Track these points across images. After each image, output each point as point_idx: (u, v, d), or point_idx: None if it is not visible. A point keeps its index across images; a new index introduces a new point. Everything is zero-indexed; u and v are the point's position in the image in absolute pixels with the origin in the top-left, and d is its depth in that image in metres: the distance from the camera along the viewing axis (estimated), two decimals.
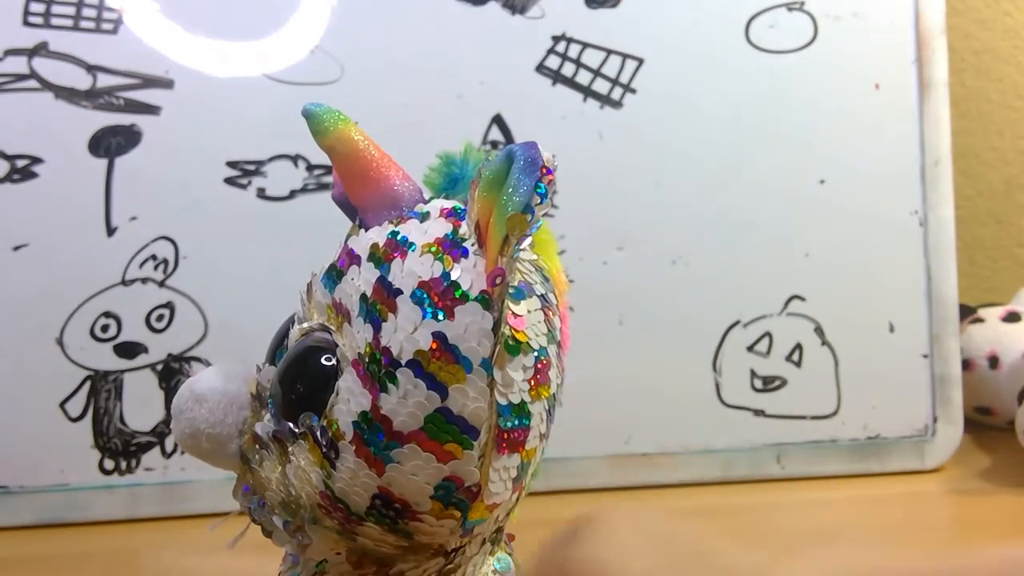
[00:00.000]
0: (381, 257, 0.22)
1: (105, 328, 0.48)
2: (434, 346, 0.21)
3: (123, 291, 0.48)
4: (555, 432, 0.24)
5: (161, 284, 0.48)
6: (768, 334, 0.52)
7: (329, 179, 0.48)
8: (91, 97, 0.48)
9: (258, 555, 0.26)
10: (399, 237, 0.23)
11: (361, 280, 0.22)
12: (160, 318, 0.48)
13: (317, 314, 0.24)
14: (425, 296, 0.21)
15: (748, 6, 0.52)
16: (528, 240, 0.21)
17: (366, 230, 0.24)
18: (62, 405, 0.47)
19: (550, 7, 0.51)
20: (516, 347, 0.21)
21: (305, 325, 0.24)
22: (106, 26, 0.48)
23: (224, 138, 0.49)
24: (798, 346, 0.52)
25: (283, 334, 0.25)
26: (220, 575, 0.40)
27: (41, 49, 0.48)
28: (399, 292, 0.21)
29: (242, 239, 0.48)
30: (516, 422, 0.21)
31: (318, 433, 0.22)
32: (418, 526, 0.22)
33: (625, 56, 0.51)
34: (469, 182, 0.23)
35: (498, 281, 0.21)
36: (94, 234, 0.48)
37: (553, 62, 0.51)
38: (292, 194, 0.49)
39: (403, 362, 0.21)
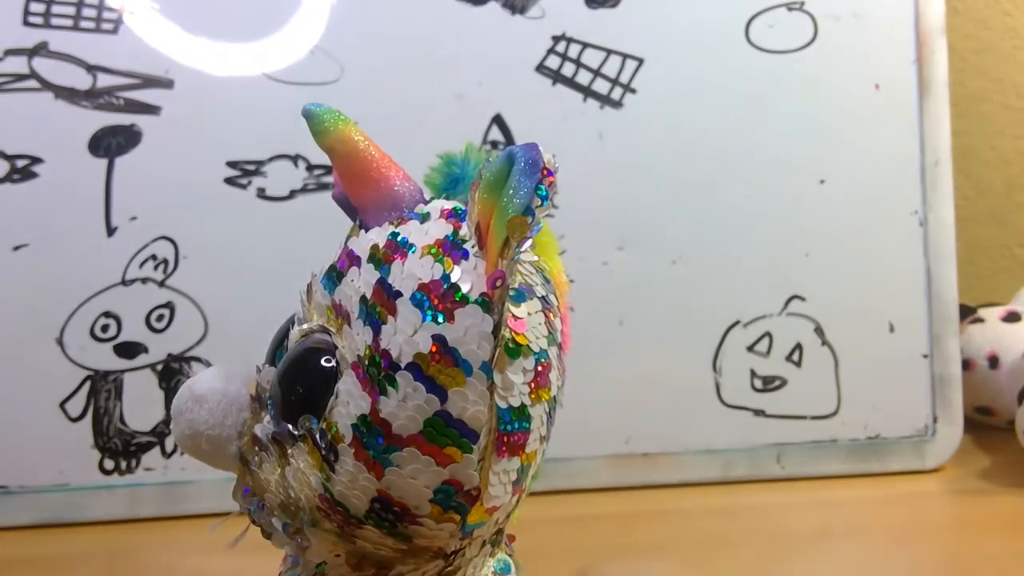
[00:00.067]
0: (381, 259, 0.22)
1: (105, 328, 0.48)
2: (434, 349, 0.21)
3: (123, 291, 0.48)
4: (555, 432, 0.24)
5: (161, 284, 0.48)
6: (768, 334, 0.52)
7: (329, 179, 0.48)
8: (91, 97, 0.48)
9: (258, 555, 0.26)
10: (399, 238, 0.22)
11: (361, 282, 0.22)
12: (160, 318, 0.48)
13: (317, 315, 0.24)
14: (425, 298, 0.21)
15: (748, 6, 0.52)
16: (529, 242, 0.21)
17: (366, 231, 0.24)
18: (62, 405, 0.47)
19: (550, 7, 0.51)
20: (516, 350, 0.21)
21: (305, 326, 0.24)
22: (106, 26, 0.48)
23: (224, 138, 0.49)
24: (798, 346, 0.52)
25: (283, 335, 0.25)
26: (220, 575, 0.41)
27: (41, 49, 0.48)
28: (399, 294, 0.21)
29: (242, 239, 0.48)
30: (516, 425, 0.21)
31: (317, 436, 0.22)
32: (417, 529, 0.22)
33: (625, 56, 0.51)
34: (469, 183, 0.23)
35: (498, 284, 0.21)
36: (94, 234, 0.48)
37: (553, 62, 0.51)
38: (292, 194, 0.49)
39: (403, 365, 0.21)
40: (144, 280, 0.48)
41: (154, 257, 0.48)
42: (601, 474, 0.50)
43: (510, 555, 0.26)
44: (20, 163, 0.47)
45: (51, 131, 0.48)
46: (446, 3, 0.50)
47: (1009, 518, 0.44)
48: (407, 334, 0.21)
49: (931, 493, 0.49)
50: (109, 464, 0.47)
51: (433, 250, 0.22)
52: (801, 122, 0.52)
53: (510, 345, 0.21)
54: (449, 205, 0.24)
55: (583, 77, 0.51)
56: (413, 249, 0.22)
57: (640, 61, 0.51)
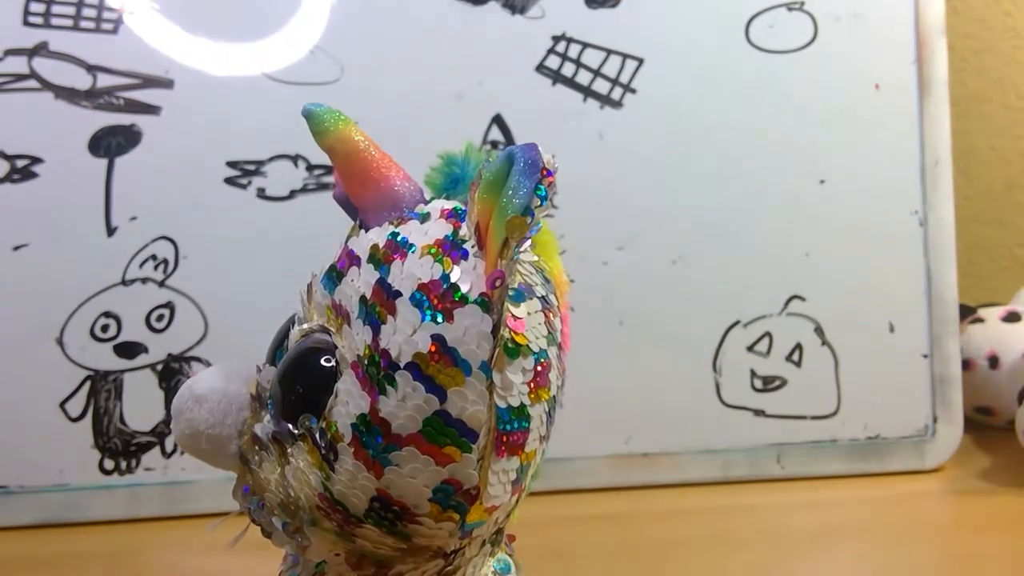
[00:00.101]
0: (381, 259, 0.22)
1: (105, 328, 0.48)
2: (433, 349, 0.21)
3: (123, 291, 0.48)
4: (555, 432, 0.24)
5: (161, 284, 0.48)
6: (768, 334, 0.52)
7: (329, 179, 0.48)
8: (91, 97, 0.48)
9: (258, 555, 0.26)
10: (399, 238, 0.22)
11: (361, 282, 0.22)
12: (160, 318, 0.48)
13: (317, 315, 0.24)
14: (424, 298, 0.21)
15: (748, 6, 0.52)
16: (528, 242, 0.21)
17: (366, 230, 0.24)
18: (62, 405, 0.47)
19: (550, 7, 0.51)
20: (516, 350, 0.21)
21: (305, 326, 0.24)
22: (106, 26, 0.48)
23: (224, 138, 0.49)
24: (798, 346, 0.52)
25: (283, 335, 0.25)
26: (220, 575, 0.41)
27: (41, 49, 0.48)
28: (398, 294, 0.21)
29: (242, 239, 0.48)
30: (515, 425, 0.21)
31: (317, 435, 0.22)
32: (417, 528, 0.22)
33: (625, 56, 0.51)
34: (469, 183, 0.23)
35: (498, 283, 0.21)
36: (94, 234, 0.48)
37: (553, 62, 0.51)
38: (292, 194, 0.49)
39: (402, 364, 0.21)
40: (144, 280, 0.48)
41: (154, 257, 0.48)
42: (601, 474, 0.50)
43: (510, 555, 0.26)
44: (20, 163, 0.47)
45: (51, 131, 0.48)
46: (446, 3, 0.50)
47: (1009, 518, 0.44)
48: (406, 334, 0.21)
49: (931, 493, 0.49)
50: (109, 464, 0.47)
51: (433, 250, 0.22)
52: (801, 122, 0.52)
53: (509, 345, 0.21)
54: (449, 205, 0.24)
55: (583, 77, 0.51)
56: (413, 249, 0.22)
57: (640, 61, 0.51)
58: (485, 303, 0.21)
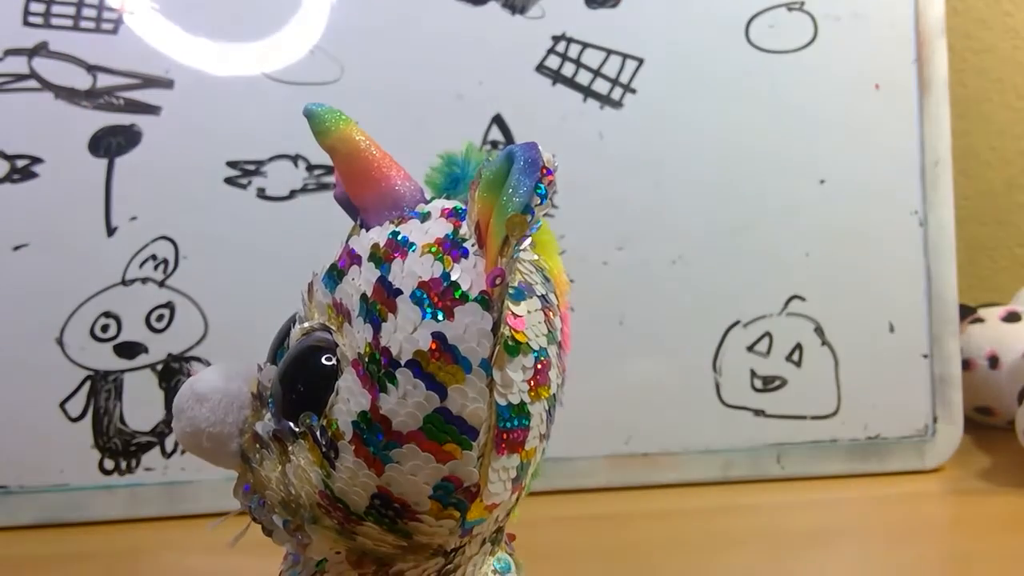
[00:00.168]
0: (381, 257, 0.22)
1: (105, 328, 0.48)
2: (433, 346, 0.21)
3: (123, 291, 0.48)
4: (555, 432, 0.24)
5: (161, 284, 0.48)
6: (768, 334, 0.52)
7: (329, 179, 0.48)
8: (91, 97, 0.48)
9: (258, 555, 0.26)
10: (399, 237, 0.23)
11: (361, 280, 0.22)
12: (160, 318, 0.48)
13: (318, 314, 0.24)
14: (425, 296, 0.21)
15: (748, 6, 0.52)
16: (528, 241, 0.21)
17: (367, 230, 0.24)
18: (62, 405, 0.47)
19: (550, 7, 0.51)
20: (516, 348, 0.21)
21: (306, 325, 0.24)
22: (106, 26, 0.48)
23: (224, 138, 0.49)
24: (798, 346, 0.52)
25: (284, 334, 0.25)
26: (220, 575, 0.41)
27: (41, 49, 0.48)
28: (399, 292, 0.21)
29: (242, 239, 0.48)
30: (515, 423, 0.21)
31: (318, 433, 0.22)
32: (417, 526, 0.22)
33: (625, 56, 0.51)
34: (469, 182, 0.23)
35: (498, 282, 0.21)
36: (94, 234, 0.48)
37: (553, 62, 0.51)
38: (292, 194, 0.49)
39: (402, 362, 0.21)
40: (144, 280, 0.48)
41: (154, 257, 0.48)
42: (601, 474, 0.50)
43: (511, 554, 0.26)
44: (20, 163, 0.47)
45: (51, 131, 0.48)
46: (446, 3, 0.50)
47: (1009, 518, 0.44)
48: (407, 331, 0.21)
49: (931, 493, 0.49)
50: (109, 464, 0.47)
51: (433, 249, 0.22)
52: (801, 122, 0.52)
53: (509, 343, 0.21)
54: (450, 204, 0.24)
55: (583, 77, 0.51)
56: (413, 248, 0.22)
57: (640, 61, 0.51)
58: (485, 301, 0.21)
